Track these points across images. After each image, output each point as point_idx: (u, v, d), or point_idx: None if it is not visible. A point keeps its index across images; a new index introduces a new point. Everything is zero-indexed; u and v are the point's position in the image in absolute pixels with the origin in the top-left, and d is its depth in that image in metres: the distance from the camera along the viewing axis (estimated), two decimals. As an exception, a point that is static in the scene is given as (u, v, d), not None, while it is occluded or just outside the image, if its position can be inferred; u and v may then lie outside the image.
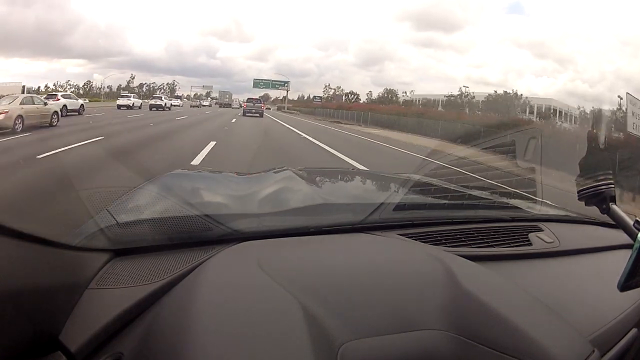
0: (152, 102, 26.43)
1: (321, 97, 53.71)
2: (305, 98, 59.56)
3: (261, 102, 29.03)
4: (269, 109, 53.27)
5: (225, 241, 0.72)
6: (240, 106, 44.79)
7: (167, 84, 55.09)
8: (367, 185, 1.46)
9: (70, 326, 0.54)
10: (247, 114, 25.02)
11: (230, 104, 48.74)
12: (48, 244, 0.52)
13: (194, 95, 59.40)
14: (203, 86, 57.18)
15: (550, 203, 1.22)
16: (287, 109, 50.60)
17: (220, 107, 47.69)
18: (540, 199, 1.16)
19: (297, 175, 1.19)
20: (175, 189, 1.01)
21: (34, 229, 0.49)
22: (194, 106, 41.93)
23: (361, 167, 6.27)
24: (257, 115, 25.25)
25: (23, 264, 0.46)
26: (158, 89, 53.58)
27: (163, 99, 26.62)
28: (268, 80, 59.56)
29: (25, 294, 0.46)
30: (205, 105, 49.19)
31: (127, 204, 0.86)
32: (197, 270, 0.63)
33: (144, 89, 51.83)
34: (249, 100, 28.53)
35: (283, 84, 58.07)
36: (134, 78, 51.47)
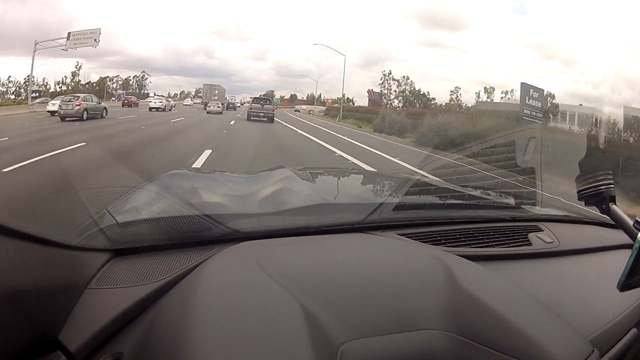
0: None
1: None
2: (307, 96, 45.67)
3: (272, 103, 22.05)
4: (298, 111, 40.75)
5: (225, 241, 0.72)
6: (235, 107, 35.02)
7: (134, 76, 41.04)
8: (367, 185, 1.46)
9: (70, 326, 0.54)
10: (252, 118, 19.92)
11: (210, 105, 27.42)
12: (48, 244, 0.52)
13: (194, 94, 43.23)
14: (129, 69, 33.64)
15: (550, 203, 1.22)
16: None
17: (205, 108, 28.24)
18: (540, 199, 1.16)
19: (296, 175, 1.19)
20: (175, 188, 1.01)
21: (34, 229, 0.49)
22: (65, 115, 14.02)
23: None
24: (265, 120, 19.49)
25: (23, 264, 0.46)
26: (123, 85, 40.00)
27: None
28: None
29: (25, 294, 0.46)
30: (158, 109, 23.99)
31: (127, 204, 0.86)
32: (196, 270, 0.63)
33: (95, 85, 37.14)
34: (255, 100, 21.92)
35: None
36: (79, 68, 37.05)
